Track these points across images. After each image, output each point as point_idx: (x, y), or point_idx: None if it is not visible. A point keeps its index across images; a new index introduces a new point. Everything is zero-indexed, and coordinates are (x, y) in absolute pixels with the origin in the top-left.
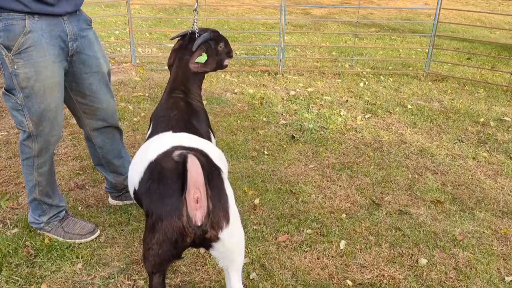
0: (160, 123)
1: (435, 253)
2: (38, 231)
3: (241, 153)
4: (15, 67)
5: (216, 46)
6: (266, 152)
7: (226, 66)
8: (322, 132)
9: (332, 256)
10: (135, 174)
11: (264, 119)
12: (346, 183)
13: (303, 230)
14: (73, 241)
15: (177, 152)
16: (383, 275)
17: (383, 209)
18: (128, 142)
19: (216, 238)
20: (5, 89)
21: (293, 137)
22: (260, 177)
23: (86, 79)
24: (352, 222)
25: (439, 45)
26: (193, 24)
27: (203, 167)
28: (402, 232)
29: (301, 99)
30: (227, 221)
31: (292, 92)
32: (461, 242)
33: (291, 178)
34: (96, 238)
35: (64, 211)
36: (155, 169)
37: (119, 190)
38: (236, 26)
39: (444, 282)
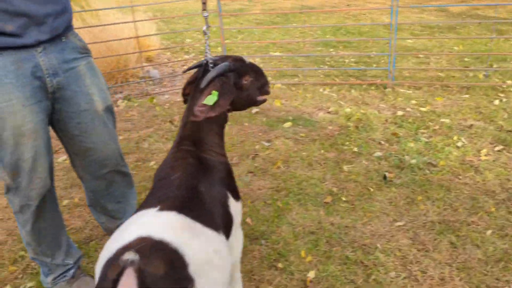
0: (156, 189)
1: None
2: None
3: (311, 198)
4: None
5: (239, 80)
6: (344, 199)
7: (262, 102)
8: (427, 171)
9: None
10: (98, 262)
11: (355, 149)
12: (446, 256)
13: None
14: None
15: (126, 256)
16: None
17: None
18: None
19: None
20: None
21: (384, 177)
22: (327, 236)
23: (73, 118)
24: None
25: None
26: (206, 52)
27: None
28: None
29: (410, 122)
30: None
31: (400, 112)
32: None
33: (368, 241)
34: None
35: (73, 269)
36: (103, 272)
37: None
38: (353, 29)
39: None
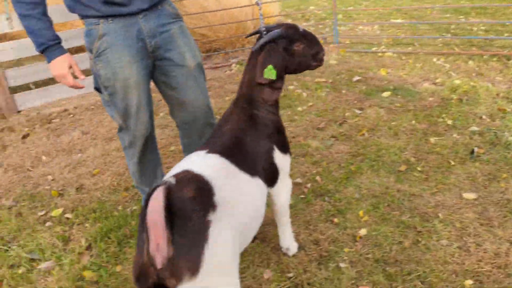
0: (211, 137)
1: None
2: None
3: (386, 165)
4: (97, 68)
5: (290, 47)
6: (419, 169)
7: (317, 66)
8: None
9: None
10: None
11: (449, 122)
12: (510, 234)
13: None
14: None
15: (166, 179)
16: None
17: None
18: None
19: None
20: (94, 88)
21: (472, 152)
22: (389, 200)
23: (170, 71)
24: None
25: None
26: (261, 21)
27: (174, 204)
28: None
29: None
30: (193, 273)
31: None
32: None
33: (430, 210)
34: None
35: None
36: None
37: None
38: None
39: None
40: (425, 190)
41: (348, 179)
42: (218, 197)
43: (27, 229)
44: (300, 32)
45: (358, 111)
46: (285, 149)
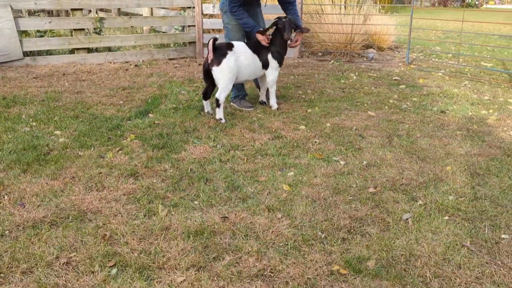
0: (249, 41)
1: None
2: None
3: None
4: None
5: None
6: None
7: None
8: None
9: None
10: None
11: (415, 99)
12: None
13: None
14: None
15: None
16: None
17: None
18: None
19: (211, 70)
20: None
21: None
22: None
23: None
24: None
25: None
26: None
27: (215, 45)
28: None
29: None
30: (216, 65)
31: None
32: None
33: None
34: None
35: (243, 96)
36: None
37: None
38: None
39: None
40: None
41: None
42: (235, 49)
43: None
44: (283, 20)
45: (374, 89)
46: (276, 57)
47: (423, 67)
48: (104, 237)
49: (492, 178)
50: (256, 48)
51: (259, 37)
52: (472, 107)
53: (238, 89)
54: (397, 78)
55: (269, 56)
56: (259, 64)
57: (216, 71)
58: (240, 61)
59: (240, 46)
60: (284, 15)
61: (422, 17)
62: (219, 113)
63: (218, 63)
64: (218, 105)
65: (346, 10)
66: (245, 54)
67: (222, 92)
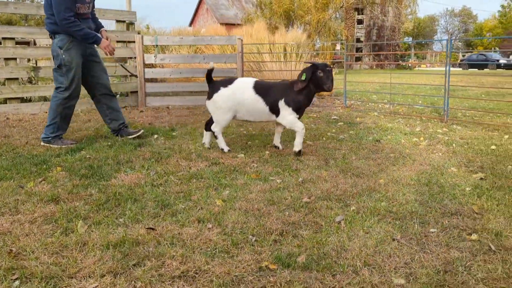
0: (262, 82)
1: None
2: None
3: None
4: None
5: (317, 71)
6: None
7: (326, 90)
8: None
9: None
10: None
11: (352, 132)
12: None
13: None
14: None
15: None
16: None
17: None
18: None
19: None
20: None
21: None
22: None
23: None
24: None
25: None
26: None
27: (209, 77)
28: None
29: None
30: (207, 98)
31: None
32: None
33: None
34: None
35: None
36: None
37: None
38: None
39: None
40: None
41: None
42: (233, 85)
43: None
44: (327, 69)
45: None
46: (289, 105)
47: (360, 109)
48: (9, 253)
49: (422, 187)
50: (262, 90)
51: (104, 43)
52: (405, 137)
53: (58, 128)
54: (335, 117)
55: (281, 102)
56: (263, 107)
57: (207, 104)
58: (237, 98)
59: (240, 83)
60: (320, 61)
61: (357, 72)
62: (220, 144)
63: (209, 97)
64: (215, 137)
65: (285, 58)
66: (243, 93)
67: (217, 124)
